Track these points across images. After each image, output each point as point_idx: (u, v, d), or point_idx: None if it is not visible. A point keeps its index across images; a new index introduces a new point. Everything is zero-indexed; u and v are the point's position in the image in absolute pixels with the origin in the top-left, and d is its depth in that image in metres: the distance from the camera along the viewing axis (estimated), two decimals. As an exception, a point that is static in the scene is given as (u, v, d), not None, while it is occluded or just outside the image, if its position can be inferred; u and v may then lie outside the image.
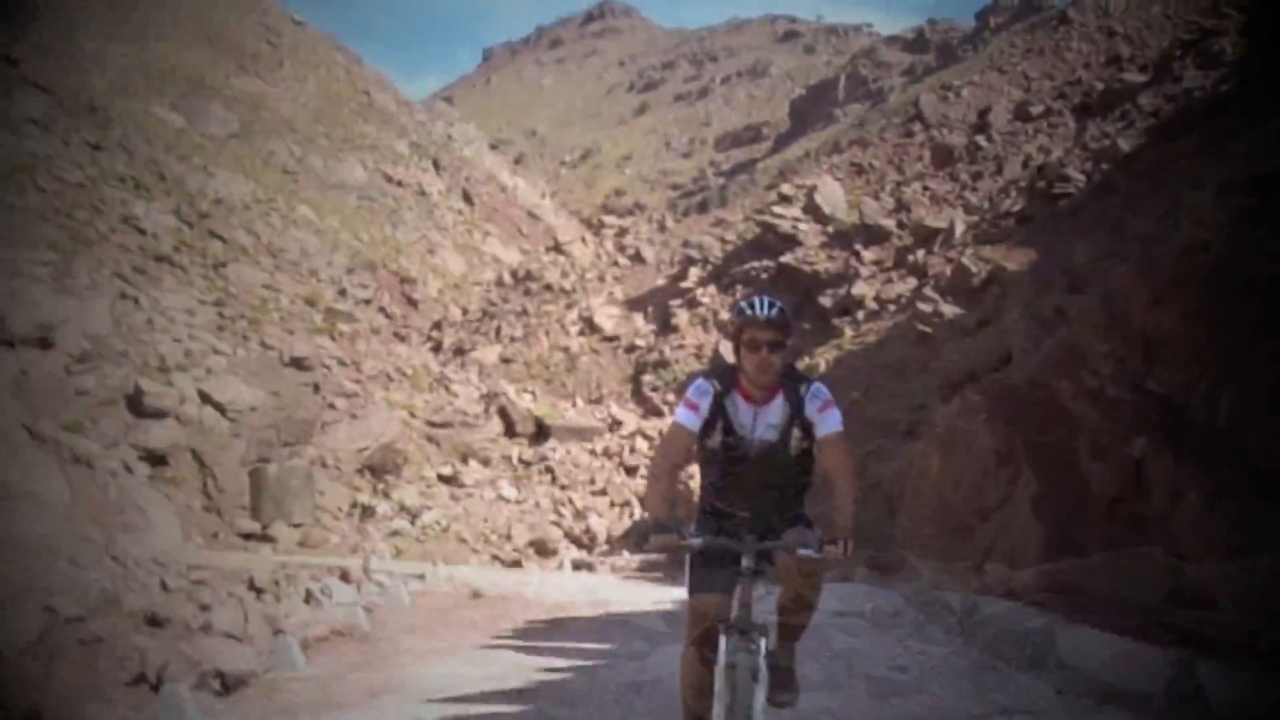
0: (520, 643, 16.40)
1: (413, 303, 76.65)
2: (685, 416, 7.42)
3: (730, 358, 7.91)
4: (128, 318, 42.14)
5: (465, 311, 76.88)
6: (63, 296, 40.19)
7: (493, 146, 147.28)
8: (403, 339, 64.84)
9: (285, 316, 52.75)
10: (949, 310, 40.06)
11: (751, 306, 7.28)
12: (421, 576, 25.06)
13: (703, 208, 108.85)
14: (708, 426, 7.48)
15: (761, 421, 7.48)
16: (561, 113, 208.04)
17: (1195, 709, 9.94)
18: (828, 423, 7.32)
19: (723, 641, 6.86)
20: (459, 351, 67.90)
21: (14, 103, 55.18)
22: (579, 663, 14.04)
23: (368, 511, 42.41)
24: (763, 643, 6.88)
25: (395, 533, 41.01)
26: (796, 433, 7.41)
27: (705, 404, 7.44)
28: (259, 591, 24.88)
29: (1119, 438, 16.43)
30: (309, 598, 21.61)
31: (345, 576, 26.18)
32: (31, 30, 73.03)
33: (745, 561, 7.01)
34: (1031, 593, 15.12)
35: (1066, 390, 18.75)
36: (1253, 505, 12.84)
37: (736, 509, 7.71)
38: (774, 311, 7.27)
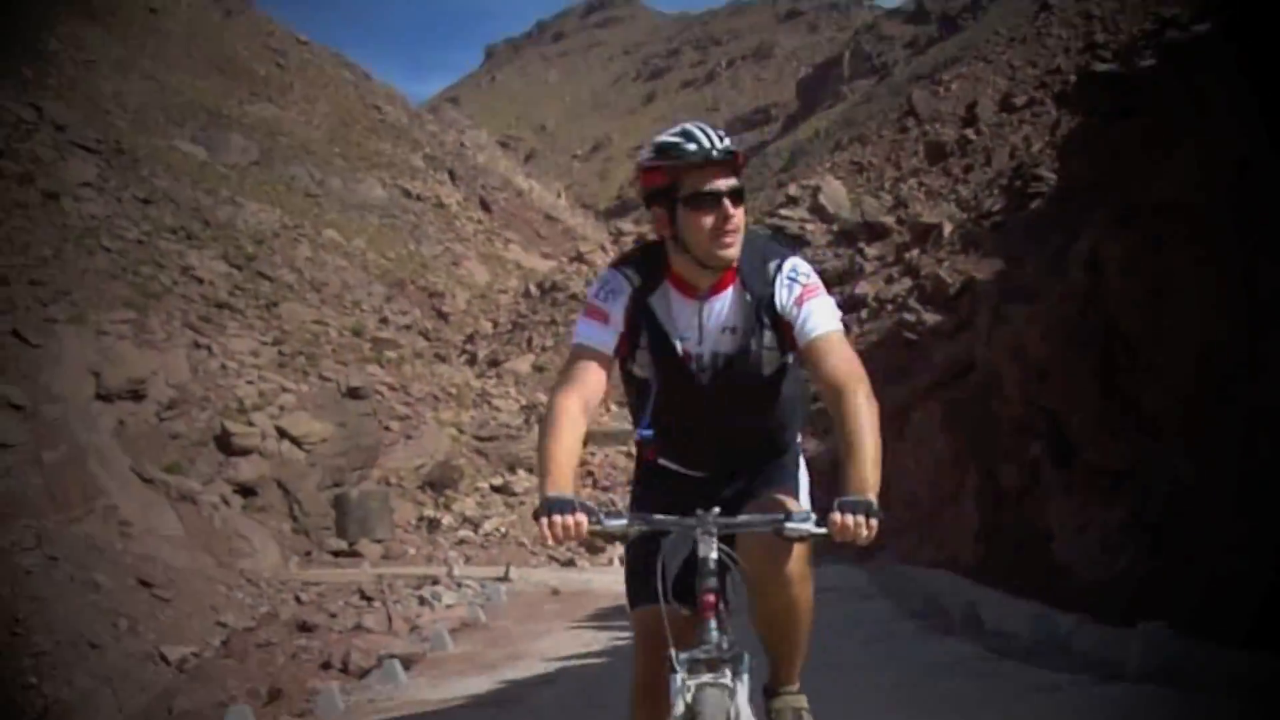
0: (597, 623, 23.02)
1: (443, 316, 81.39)
2: (588, 332, 4.98)
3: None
4: (203, 365, 48.62)
5: (495, 324, 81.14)
6: (145, 350, 46.59)
7: (503, 145, 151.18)
8: (444, 359, 69.75)
9: (336, 349, 58.74)
10: (930, 319, 42.46)
11: (691, 139, 4.67)
12: (507, 579, 31.09)
13: None
14: (627, 343, 5.02)
15: (710, 324, 4.99)
16: (569, 106, 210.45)
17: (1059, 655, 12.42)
18: (815, 317, 4.80)
19: (675, 680, 4.29)
20: (493, 363, 72.69)
21: (68, 168, 60.48)
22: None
23: (434, 524, 48.64)
24: (745, 678, 4.36)
25: (461, 541, 46.97)
26: (767, 336, 4.93)
27: (618, 308, 4.98)
28: (369, 599, 31.53)
29: (1022, 444, 22.84)
30: (423, 600, 28.65)
31: (436, 582, 32.90)
32: (50, 73, 78.14)
33: (703, 549, 4.46)
34: (970, 570, 21.25)
35: (992, 403, 25.03)
36: (1090, 494, 19.13)
37: (687, 466, 5.26)
38: (727, 141, 4.73)
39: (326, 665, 21.80)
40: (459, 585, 31.49)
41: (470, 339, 79.71)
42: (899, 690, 11.08)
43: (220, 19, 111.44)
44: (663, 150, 4.77)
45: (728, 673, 4.31)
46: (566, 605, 26.68)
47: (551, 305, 76.57)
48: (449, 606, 27.50)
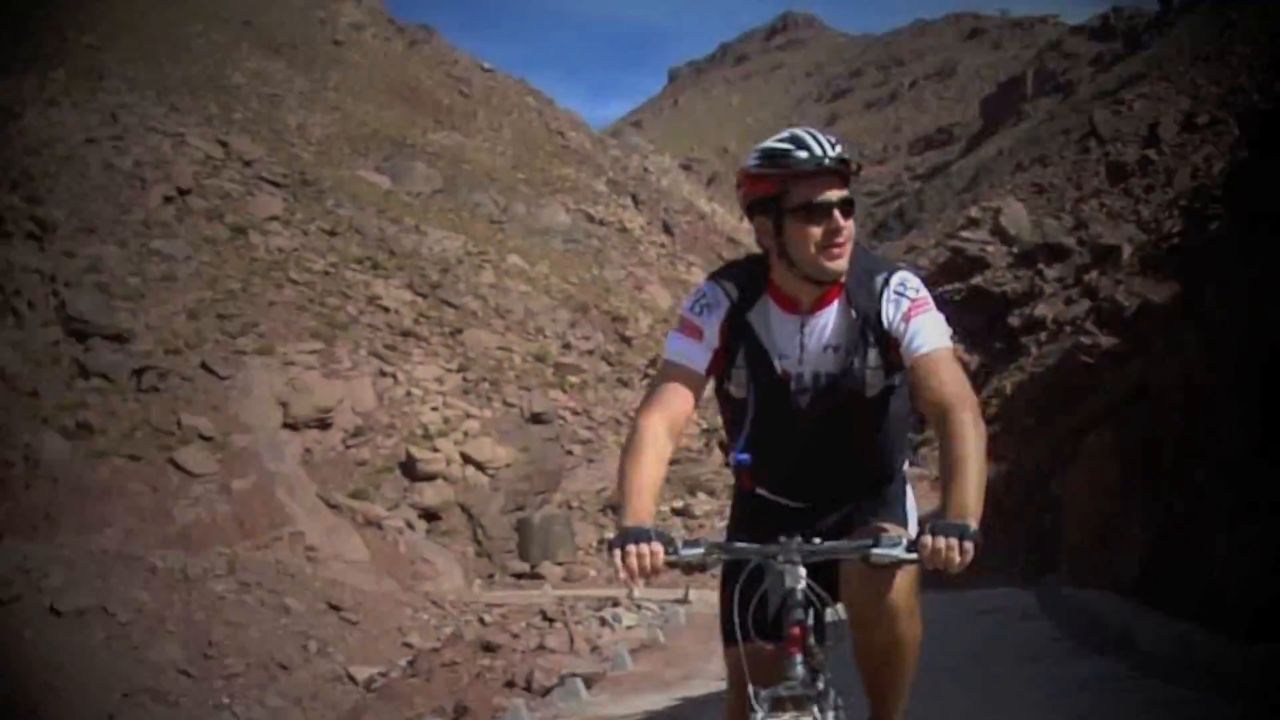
0: (769, 644, 23.77)
1: (626, 340, 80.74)
2: (679, 348, 4.79)
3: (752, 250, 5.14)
4: (389, 392, 49.89)
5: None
6: (332, 380, 47.97)
7: (686, 168, 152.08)
8: (626, 383, 70.21)
9: (520, 374, 59.42)
10: (1106, 342, 41.50)
11: (802, 145, 4.50)
12: (686, 601, 31.65)
13: (900, 215, 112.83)
14: (722, 360, 4.83)
15: (812, 342, 4.80)
16: (752, 128, 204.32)
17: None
18: (924, 333, 4.62)
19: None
20: (675, 387, 72.05)
21: (255, 202, 62.41)
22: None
23: (615, 547, 48.99)
24: (832, 716, 4.18)
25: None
26: (872, 355, 4.74)
27: (714, 324, 4.79)
28: (551, 620, 32.28)
29: (1189, 470, 22.86)
30: (603, 622, 29.41)
31: (616, 604, 33.59)
32: (235, 107, 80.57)
33: (789, 580, 4.25)
34: (1132, 591, 21.36)
35: (1160, 429, 25.07)
36: (1253, 521, 19.07)
37: (785, 496, 5.06)
38: (840, 148, 4.57)
39: (510, 684, 22.57)
40: (639, 607, 32.16)
41: (653, 363, 77.42)
42: (1040, 705, 11.32)
43: (404, 49, 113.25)
44: (771, 157, 4.58)
45: (814, 710, 4.08)
46: (740, 627, 27.42)
47: (735, 328, 75.14)
48: (629, 627, 28.22)
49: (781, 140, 4.54)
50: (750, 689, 4.04)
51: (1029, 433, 37.51)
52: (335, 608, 26.90)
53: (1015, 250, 59.25)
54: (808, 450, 4.87)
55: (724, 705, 5.19)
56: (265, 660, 24.12)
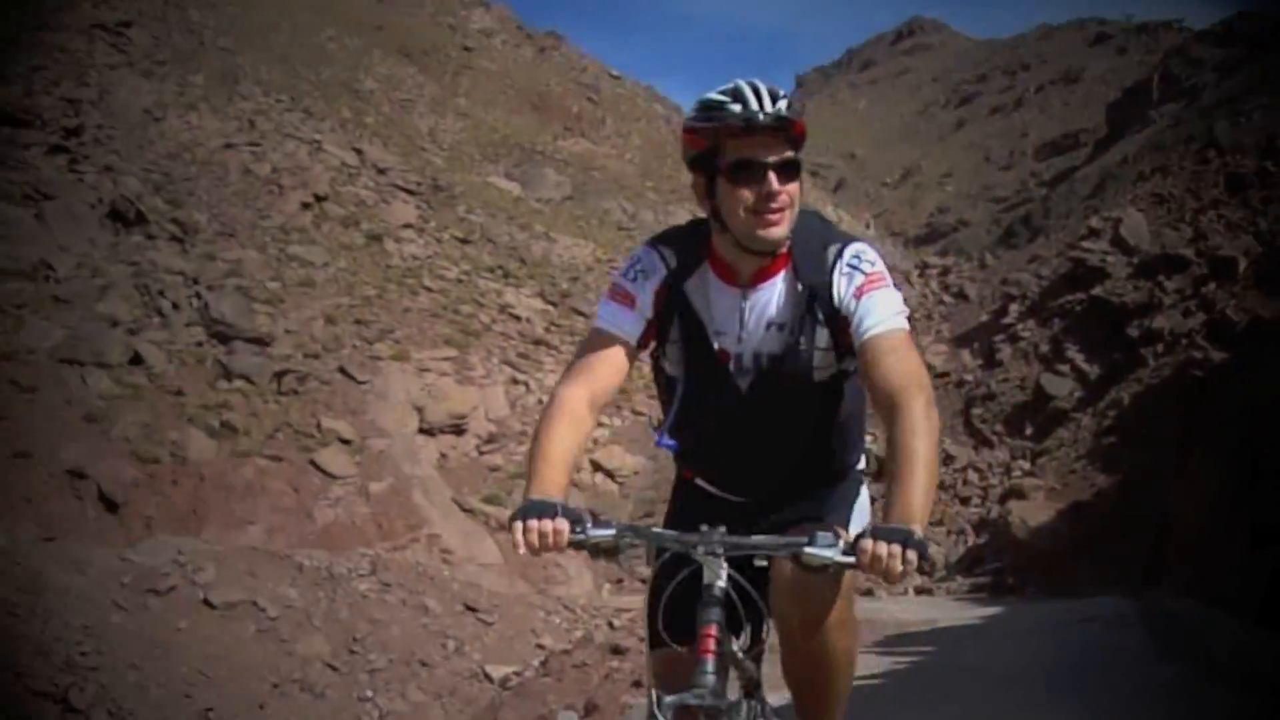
0: (880, 649, 24.57)
1: None
2: (610, 316, 4.58)
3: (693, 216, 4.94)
4: (521, 400, 51.01)
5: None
6: (466, 387, 49.14)
7: (813, 173, 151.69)
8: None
9: (648, 384, 58.75)
10: (1217, 356, 42.28)
11: (738, 98, 4.25)
12: None
13: (1026, 222, 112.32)
14: (655, 332, 4.63)
15: (755, 319, 4.52)
16: (879, 133, 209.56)
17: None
18: (877, 313, 4.32)
19: None
20: (808, 396, 71.86)
21: (390, 210, 63.80)
22: (915, 660, 22.22)
23: (738, 550, 49.70)
24: None
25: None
26: (820, 334, 4.45)
27: (648, 293, 4.55)
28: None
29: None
30: (730, 626, 30.38)
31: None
32: (368, 112, 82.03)
33: (708, 575, 3.97)
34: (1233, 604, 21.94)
35: (1265, 445, 25.61)
36: None
37: (722, 488, 4.87)
38: (782, 103, 4.26)
39: (637, 684, 23.45)
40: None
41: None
42: (1118, 710, 12.18)
43: (533, 56, 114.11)
44: (707, 108, 4.34)
45: None
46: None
47: (859, 338, 74.65)
48: (752, 633, 29.12)
49: (722, 91, 4.32)
50: (653, 694, 3.89)
51: (1142, 444, 37.89)
52: (472, 609, 27.92)
53: (1135, 261, 58.81)
54: (748, 440, 4.66)
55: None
56: (406, 656, 25.13)
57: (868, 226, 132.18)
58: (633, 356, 4.62)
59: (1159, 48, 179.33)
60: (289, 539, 34.37)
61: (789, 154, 4.32)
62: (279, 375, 44.23)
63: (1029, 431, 48.71)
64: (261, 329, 46.20)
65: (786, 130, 4.29)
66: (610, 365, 4.55)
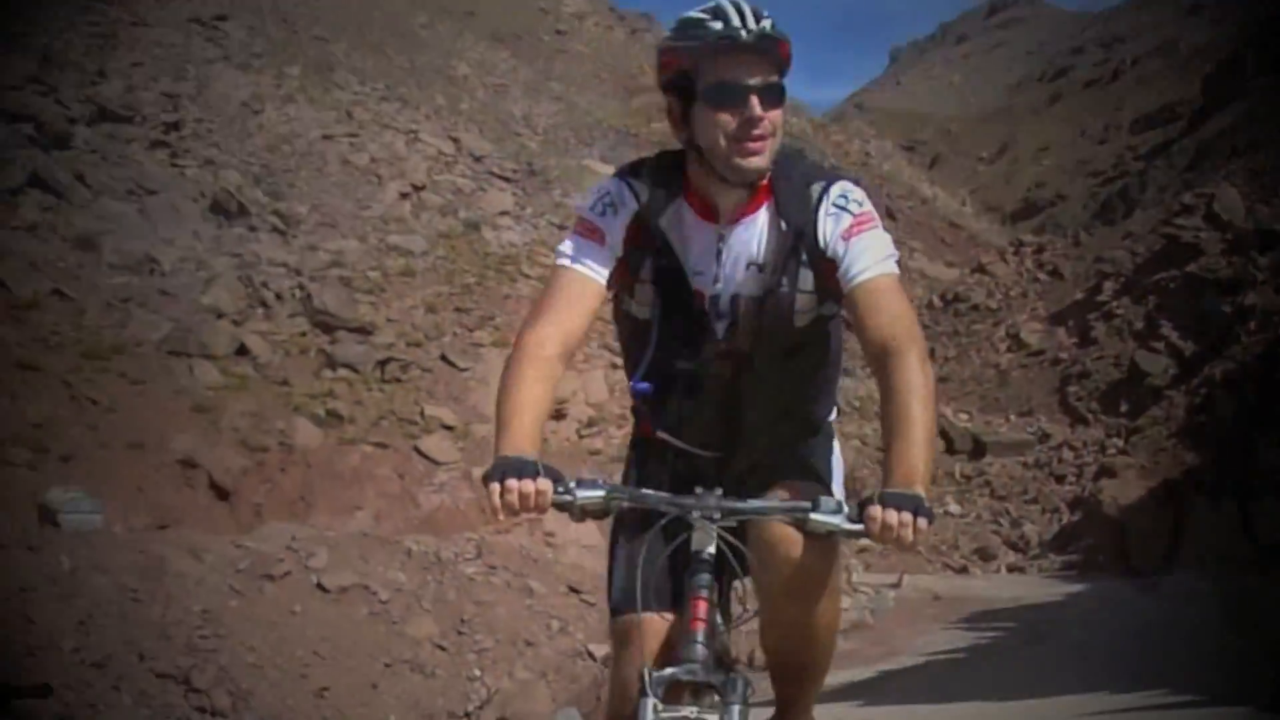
0: (967, 625, 25.54)
1: (849, 327, 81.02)
2: (578, 252, 4.20)
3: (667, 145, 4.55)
4: (620, 385, 51.44)
5: (900, 336, 79.55)
6: (566, 372, 49.81)
7: (908, 148, 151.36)
8: (849, 373, 70.32)
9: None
10: None
11: (719, 15, 3.98)
12: (897, 585, 33.42)
13: (1123, 195, 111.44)
14: (625, 271, 4.25)
15: (733, 259, 4.22)
16: (974, 109, 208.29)
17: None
18: (866, 257, 4.05)
19: (645, 708, 3.57)
20: (898, 375, 71.47)
21: (486, 198, 64.67)
22: (997, 635, 23.01)
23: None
24: (736, 711, 3.58)
25: (863, 549, 48.82)
26: (804, 277, 4.17)
27: (618, 228, 4.21)
28: (751, 607, 33.96)
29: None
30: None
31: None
32: (462, 98, 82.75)
33: (698, 539, 3.76)
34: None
35: None
36: None
37: (691, 442, 4.44)
38: (767, 22, 3.99)
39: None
40: (854, 590, 33.91)
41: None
42: (1183, 680, 13.00)
43: (625, 38, 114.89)
44: (686, 27, 4.07)
45: (716, 700, 3.68)
46: (945, 609, 29.18)
47: (954, 316, 76.38)
48: (844, 610, 30.01)
49: (703, 9, 4.06)
50: (645, 670, 3.63)
51: (1233, 421, 38.11)
52: (575, 590, 28.56)
53: (1228, 237, 58.67)
54: (722, 389, 4.37)
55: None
56: (512, 637, 25.79)
57: (964, 203, 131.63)
58: (601, 297, 4.22)
59: (1255, 17, 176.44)
60: (395, 524, 35.17)
61: (774, 78, 4.03)
62: (382, 364, 45.14)
63: (1123, 409, 48.62)
64: (364, 318, 47.21)
65: (771, 51, 4.02)
66: (580, 307, 4.17)
